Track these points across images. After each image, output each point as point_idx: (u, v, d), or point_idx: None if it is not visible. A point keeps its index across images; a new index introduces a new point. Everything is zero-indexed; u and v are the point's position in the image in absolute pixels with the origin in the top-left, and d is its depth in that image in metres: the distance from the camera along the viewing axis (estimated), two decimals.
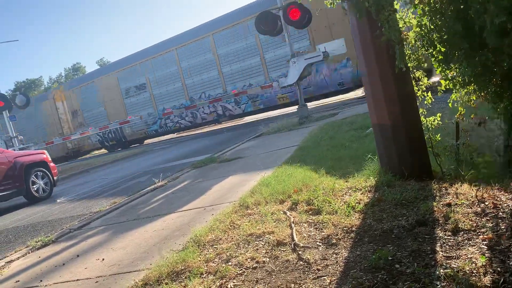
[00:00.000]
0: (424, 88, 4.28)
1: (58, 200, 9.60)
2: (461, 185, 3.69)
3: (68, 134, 26.69)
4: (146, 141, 27.66)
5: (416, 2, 3.85)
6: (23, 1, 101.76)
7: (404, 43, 4.03)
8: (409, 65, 4.07)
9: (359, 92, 19.08)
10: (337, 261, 2.85)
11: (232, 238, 3.65)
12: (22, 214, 8.71)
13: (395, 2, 3.97)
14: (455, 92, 4.11)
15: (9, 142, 17.58)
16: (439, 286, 2.25)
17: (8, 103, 17.62)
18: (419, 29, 3.97)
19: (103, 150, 28.68)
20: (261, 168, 6.68)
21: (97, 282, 3.55)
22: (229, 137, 15.36)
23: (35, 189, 10.24)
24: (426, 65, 4.29)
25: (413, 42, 4.10)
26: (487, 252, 2.54)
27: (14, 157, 10.21)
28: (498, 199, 3.29)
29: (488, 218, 3.02)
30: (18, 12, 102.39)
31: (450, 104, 4.26)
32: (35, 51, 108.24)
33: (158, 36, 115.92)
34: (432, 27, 3.83)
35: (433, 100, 4.34)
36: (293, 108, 17.20)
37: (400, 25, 4.03)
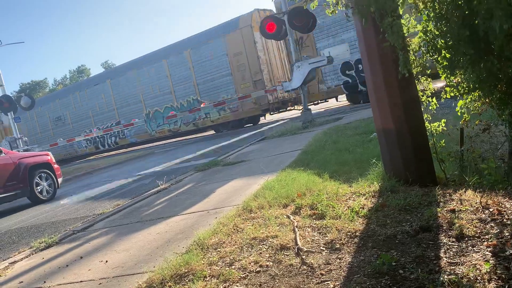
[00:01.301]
0: (429, 93, 4.28)
1: (61, 202, 9.63)
2: (465, 191, 3.68)
3: (270, 80, 18.84)
4: None
5: (421, 8, 3.86)
6: (29, 3, 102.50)
7: (408, 48, 4.03)
8: (413, 71, 4.07)
9: None
10: (340, 266, 2.84)
11: (235, 242, 3.65)
12: (26, 215, 8.74)
13: (399, 8, 3.98)
14: (461, 99, 4.11)
15: (13, 144, 17.66)
16: None
17: (13, 104, 17.72)
18: (424, 35, 3.98)
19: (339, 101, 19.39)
20: (264, 172, 6.69)
21: (100, 284, 3.56)
22: (232, 141, 15.36)
23: (39, 190, 10.27)
24: (429, 71, 4.29)
25: (417, 48, 4.11)
26: (491, 258, 2.53)
27: (18, 158, 10.25)
28: (503, 205, 3.28)
29: (492, 224, 3.01)
30: (24, 14, 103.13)
31: (458, 112, 4.24)
32: (40, 53, 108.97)
33: (163, 39, 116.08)
34: (437, 32, 3.83)
35: (438, 105, 4.33)
36: (297, 112, 17.18)
37: (404, 31, 4.03)
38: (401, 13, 4.00)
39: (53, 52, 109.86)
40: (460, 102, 4.21)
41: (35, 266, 4.54)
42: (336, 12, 4.75)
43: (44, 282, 3.93)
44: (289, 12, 12.84)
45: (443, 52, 3.82)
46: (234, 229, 3.98)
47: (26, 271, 4.45)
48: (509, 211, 3.15)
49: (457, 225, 3.04)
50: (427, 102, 4.30)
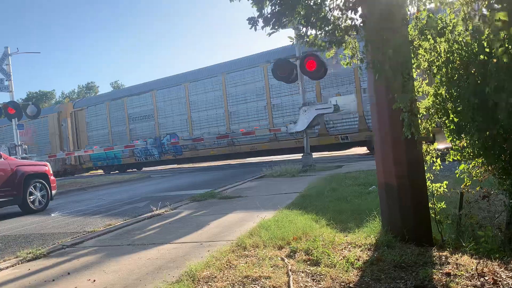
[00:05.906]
0: (434, 154, 4.36)
1: (52, 214, 9.53)
2: (461, 256, 3.68)
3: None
4: None
5: (434, 71, 4.01)
6: (45, 14, 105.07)
7: (415, 112, 4.13)
8: (420, 133, 4.16)
9: (364, 149, 19.28)
10: None
11: (227, 278, 3.61)
12: (14, 223, 8.63)
13: (413, 70, 4.12)
14: (464, 163, 4.18)
15: (13, 150, 17.64)
16: None
17: (19, 111, 17.80)
18: (434, 98, 4.11)
19: None
20: (261, 210, 6.67)
21: None
22: (230, 175, 15.37)
23: (32, 200, 10.19)
24: (432, 135, 4.39)
25: (424, 112, 4.23)
26: None
27: (16, 165, 10.24)
28: (498, 275, 3.27)
29: None
30: (39, 24, 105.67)
31: (457, 175, 4.31)
32: (51, 65, 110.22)
33: (174, 64, 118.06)
34: (447, 96, 3.96)
35: (442, 167, 4.40)
36: (297, 155, 17.29)
37: (415, 93, 4.15)
38: (414, 76, 4.15)
39: (64, 65, 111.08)
40: (462, 166, 4.29)
41: (20, 277, 4.46)
42: (351, 65, 4.93)
43: None
44: (301, 57, 13.18)
45: (451, 116, 3.93)
46: (227, 265, 3.95)
47: (10, 281, 4.36)
48: (505, 282, 3.14)
49: None
50: (431, 161, 4.38)
